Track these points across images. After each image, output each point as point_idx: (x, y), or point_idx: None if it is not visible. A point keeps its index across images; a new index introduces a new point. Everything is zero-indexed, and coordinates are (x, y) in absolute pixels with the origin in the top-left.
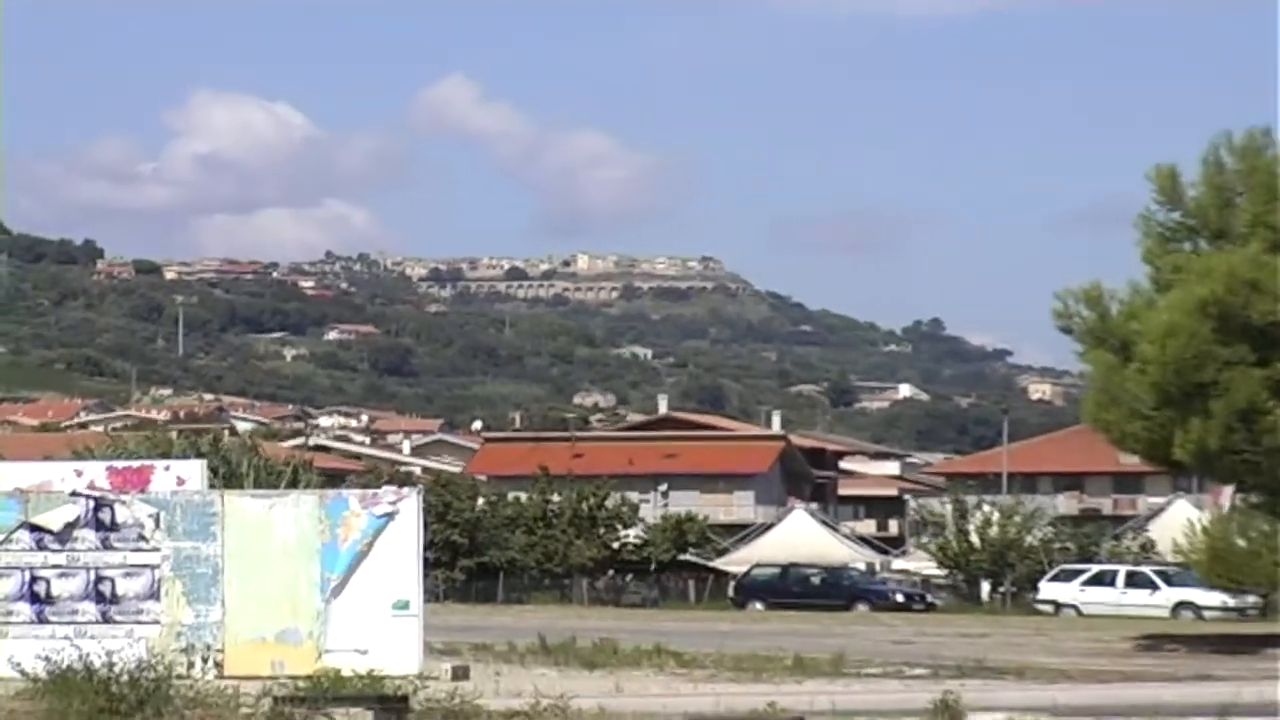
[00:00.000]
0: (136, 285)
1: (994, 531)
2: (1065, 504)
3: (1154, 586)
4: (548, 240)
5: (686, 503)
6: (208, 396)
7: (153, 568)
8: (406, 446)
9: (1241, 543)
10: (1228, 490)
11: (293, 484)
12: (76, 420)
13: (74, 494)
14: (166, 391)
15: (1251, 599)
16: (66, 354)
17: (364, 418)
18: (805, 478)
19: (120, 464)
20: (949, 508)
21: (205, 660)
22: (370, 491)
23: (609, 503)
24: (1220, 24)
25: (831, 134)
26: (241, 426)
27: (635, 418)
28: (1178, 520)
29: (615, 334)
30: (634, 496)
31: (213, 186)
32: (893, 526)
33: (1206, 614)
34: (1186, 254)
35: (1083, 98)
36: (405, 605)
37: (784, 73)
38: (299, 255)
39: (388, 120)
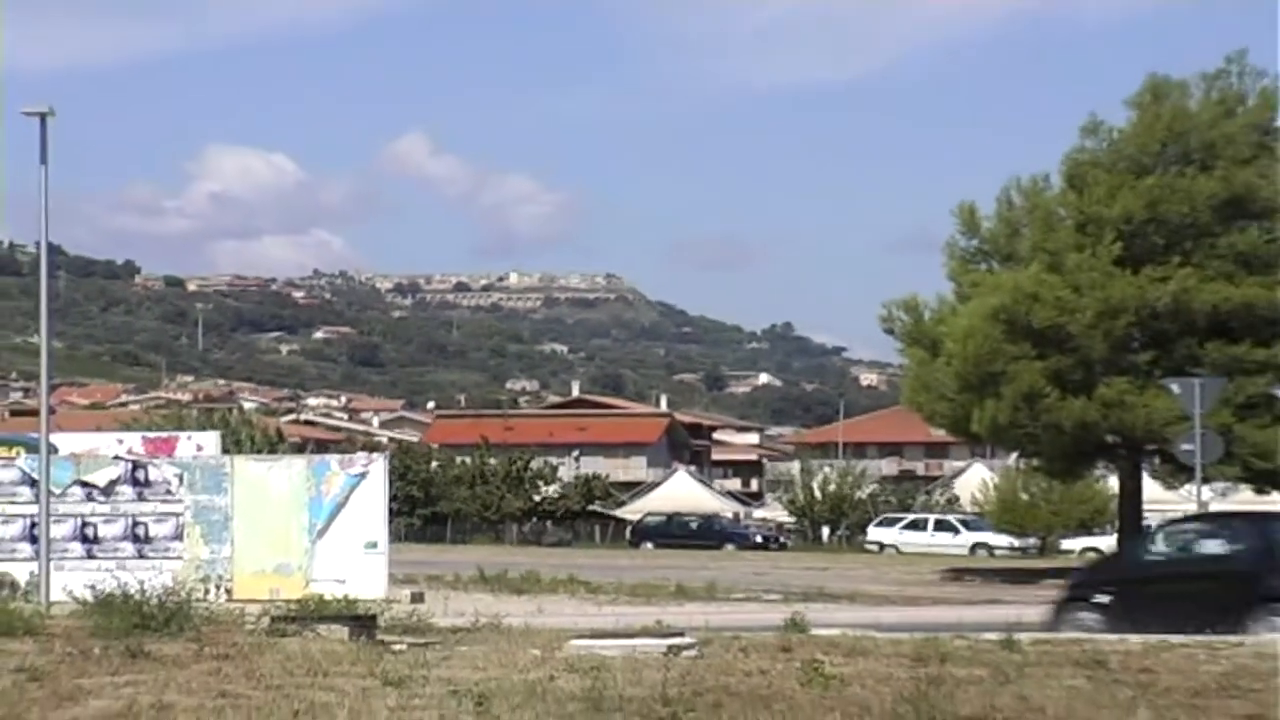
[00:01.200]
0: (165, 295)
1: (832, 488)
2: (888, 467)
3: (956, 531)
4: (486, 261)
5: (594, 465)
6: (221, 382)
7: (178, 515)
8: (376, 422)
9: (1025, 497)
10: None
11: (272, 450)
12: (118, 401)
13: (116, 458)
14: (189, 378)
15: (1032, 540)
16: (111, 349)
17: (343, 399)
18: (686, 446)
19: (152, 435)
20: (797, 469)
21: (218, 588)
22: (347, 456)
23: (533, 465)
24: (1008, 84)
25: (707, 174)
26: (247, 406)
27: (554, 399)
28: (975, 479)
29: (539, 334)
30: (553, 460)
31: (224, 218)
32: (754, 484)
33: (997, 552)
34: (982, 273)
35: (904, 149)
36: (374, 545)
37: (670, 125)
38: (292, 272)
39: (362, 167)
